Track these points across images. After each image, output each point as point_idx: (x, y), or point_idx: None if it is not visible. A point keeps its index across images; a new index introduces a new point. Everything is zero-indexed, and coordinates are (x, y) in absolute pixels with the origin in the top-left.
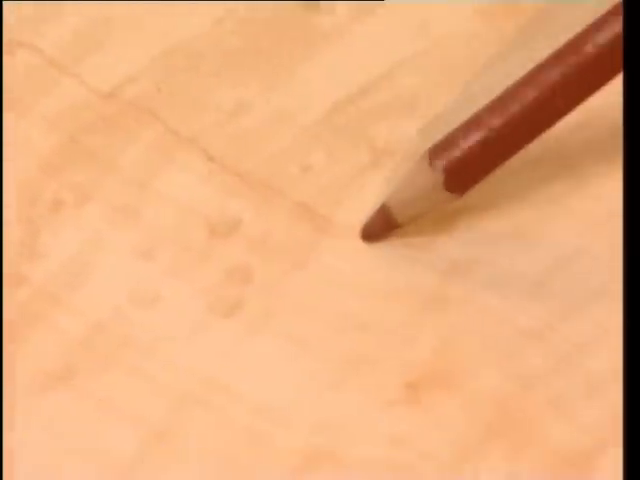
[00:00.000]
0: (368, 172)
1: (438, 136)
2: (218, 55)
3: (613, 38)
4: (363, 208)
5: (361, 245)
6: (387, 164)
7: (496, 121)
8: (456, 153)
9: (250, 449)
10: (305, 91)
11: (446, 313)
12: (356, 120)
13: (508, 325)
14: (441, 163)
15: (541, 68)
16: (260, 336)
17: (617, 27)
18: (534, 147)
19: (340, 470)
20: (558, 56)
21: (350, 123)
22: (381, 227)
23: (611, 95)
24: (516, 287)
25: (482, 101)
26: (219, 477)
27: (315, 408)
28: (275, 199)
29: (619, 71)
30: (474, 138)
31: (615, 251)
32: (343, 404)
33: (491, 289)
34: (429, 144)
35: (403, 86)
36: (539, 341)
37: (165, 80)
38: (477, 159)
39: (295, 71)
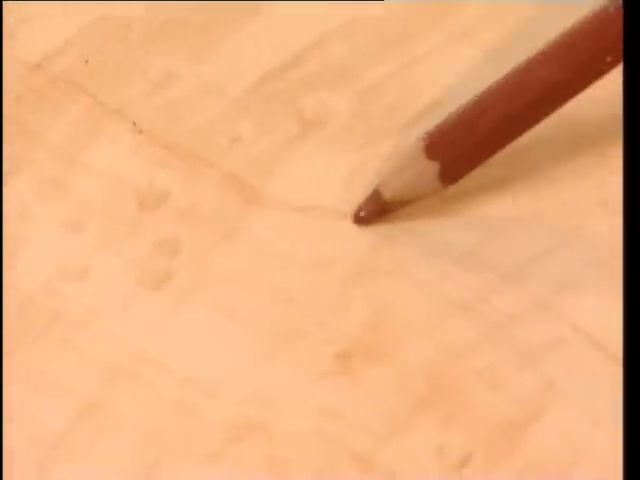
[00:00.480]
0: (297, 143)
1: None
2: (146, 26)
3: None
4: (292, 179)
5: (291, 215)
6: (316, 134)
7: (500, 107)
8: (453, 143)
9: (179, 421)
10: (234, 61)
11: (377, 284)
12: (285, 91)
13: (439, 296)
14: (438, 155)
15: (545, 54)
16: (189, 308)
17: None
18: None
19: (270, 441)
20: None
21: (279, 94)
22: (373, 211)
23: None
24: (448, 258)
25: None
26: (148, 449)
27: (245, 380)
28: (204, 170)
29: None
30: (475, 128)
31: (549, 222)
32: (273, 375)
33: (422, 260)
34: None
35: (332, 56)
36: (470, 312)
37: (92, 52)
38: (474, 150)
39: (224, 41)
